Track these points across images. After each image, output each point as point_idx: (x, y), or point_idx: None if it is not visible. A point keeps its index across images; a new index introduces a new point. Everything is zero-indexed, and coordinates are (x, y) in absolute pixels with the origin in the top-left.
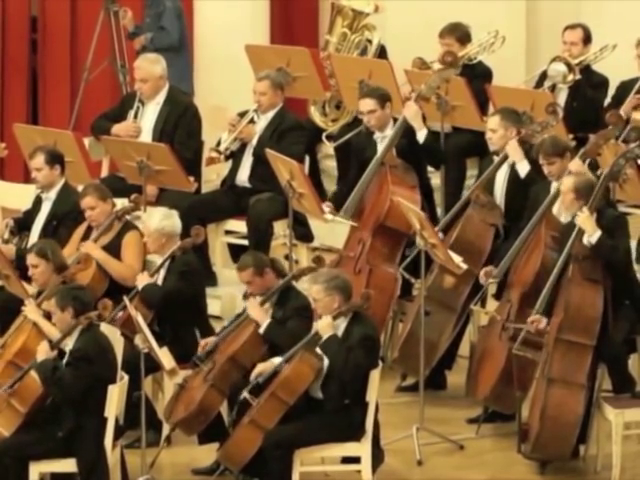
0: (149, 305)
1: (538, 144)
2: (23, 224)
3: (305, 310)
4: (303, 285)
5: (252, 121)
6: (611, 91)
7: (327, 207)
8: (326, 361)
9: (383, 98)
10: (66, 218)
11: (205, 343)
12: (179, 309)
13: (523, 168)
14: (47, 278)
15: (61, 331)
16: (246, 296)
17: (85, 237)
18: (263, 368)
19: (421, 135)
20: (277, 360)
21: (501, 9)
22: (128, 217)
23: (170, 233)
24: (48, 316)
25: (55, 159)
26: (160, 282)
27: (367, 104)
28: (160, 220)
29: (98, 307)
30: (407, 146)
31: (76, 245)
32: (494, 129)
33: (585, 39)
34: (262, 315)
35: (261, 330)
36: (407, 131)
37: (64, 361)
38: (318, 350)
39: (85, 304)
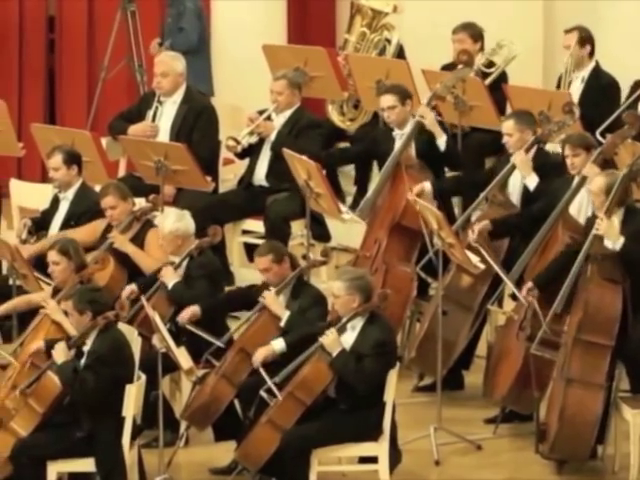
0: (177, 303)
1: (566, 137)
2: (41, 224)
3: (322, 299)
4: (321, 285)
5: (270, 118)
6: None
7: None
8: None
9: (404, 95)
10: (84, 218)
11: (192, 313)
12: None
13: (532, 182)
14: (67, 276)
15: (79, 332)
16: (260, 288)
17: (104, 236)
18: (264, 352)
19: (441, 142)
20: (277, 345)
21: (519, 9)
22: (147, 217)
23: (185, 234)
24: (65, 314)
25: (73, 159)
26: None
27: (388, 100)
28: (173, 222)
29: (115, 307)
30: (426, 147)
31: (90, 234)
32: (510, 133)
33: (580, 41)
34: (281, 308)
35: (282, 323)
36: (428, 132)
37: (82, 362)
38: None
39: (102, 305)
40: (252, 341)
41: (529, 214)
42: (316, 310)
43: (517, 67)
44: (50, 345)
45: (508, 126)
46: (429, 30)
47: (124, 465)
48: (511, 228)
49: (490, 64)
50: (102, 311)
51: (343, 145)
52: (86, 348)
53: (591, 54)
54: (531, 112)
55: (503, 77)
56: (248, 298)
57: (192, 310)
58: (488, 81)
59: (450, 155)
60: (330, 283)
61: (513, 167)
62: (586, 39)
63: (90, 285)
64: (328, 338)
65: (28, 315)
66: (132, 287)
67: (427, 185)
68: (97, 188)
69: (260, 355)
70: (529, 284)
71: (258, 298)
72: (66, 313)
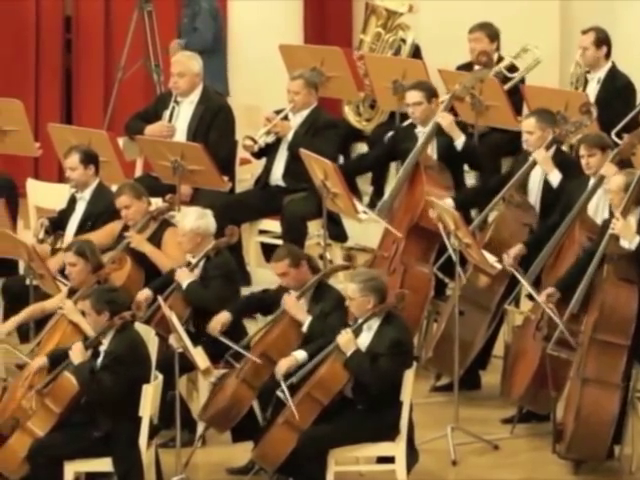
0: (193, 303)
1: (582, 137)
2: (58, 223)
3: (344, 301)
4: (339, 285)
5: (287, 118)
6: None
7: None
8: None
9: (430, 93)
10: (100, 218)
11: (222, 324)
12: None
13: (555, 178)
14: (84, 277)
15: (96, 332)
16: (276, 292)
17: (121, 236)
18: (286, 364)
19: (459, 143)
20: (300, 355)
21: (535, 9)
22: (164, 216)
23: (205, 233)
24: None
25: (89, 159)
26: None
27: (414, 96)
28: (195, 220)
29: (132, 307)
30: (447, 147)
31: (106, 236)
32: (530, 131)
33: (597, 42)
34: (302, 312)
35: (304, 328)
36: (448, 135)
37: (99, 362)
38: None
39: (120, 305)
40: (273, 346)
41: (549, 225)
42: (338, 314)
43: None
44: (54, 359)
45: (529, 124)
46: (445, 30)
47: (141, 465)
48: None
49: (512, 68)
50: (120, 311)
51: (359, 147)
52: (103, 348)
53: (607, 55)
54: (552, 111)
55: (521, 79)
56: (263, 302)
57: (222, 319)
58: (508, 86)
59: (468, 156)
60: (345, 284)
61: (531, 166)
62: (603, 40)
63: (108, 285)
64: (343, 338)
65: (45, 315)
66: (147, 293)
67: (449, 201)
68: (114, 188)
69: (283, 366)
70: (549, 290)
71: (276, 301)
72: (83, 313)
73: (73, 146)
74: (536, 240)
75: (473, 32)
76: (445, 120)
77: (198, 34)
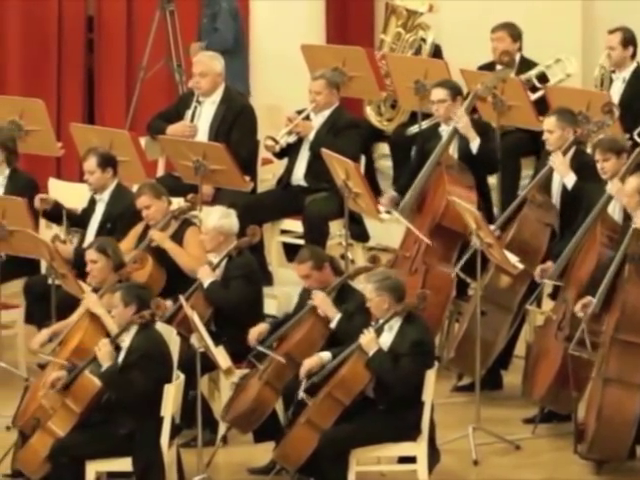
0: (213, 303)
1: (596, 141)
2: (79, 220)
3: (366, 304)
4: (360, 286)
5: (308, 118)
6: None
7: (393, 200)
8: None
9: (455, 91)
10: (120, 220)
11: (258, 333)
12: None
13: (569, 181)
14: (105, 275)
15: (119, 326)
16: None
17: (143, 236)
18: (311, 363)
19: (474, 145)
20: (325, 356)
21: (557, 8)
22: (185, 216)
23: (228, 232)
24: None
25: (107, 162)
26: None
27: (439, 93)
28: (219, 218)
29: (151, 306)
30: (467, 150)
31: (132, 242)
32: (551, 130)
33: (624, 42)
34: (331, 309)
35: (333, 324)
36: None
37: (121, 358)
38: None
39: (145, 303)
40: (297, 348)
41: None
42: (361, 316)
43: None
44: (72, 370)
45: (550, 123)
46: (466, 30)
47: (162, 465)
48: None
49: (543, 77)
50: (144, 309)
51: (380, 147)
52: (124, 345)
53: (633, 55)
54: (573, 111)
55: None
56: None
57: (259, 330)
58: (535, 97)
59: (482, 158)
60: (362, 287)
61: (552, 167)
62: (629, 40)
63: (136, 282)
64: (365, 338)
65: (67, 314)
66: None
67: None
68: (135, 188)
69: (307, 366)
70: (586, 299)
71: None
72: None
73: (91, 149)
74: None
75: (496, 31)
76: (461, 122)
77: (218, 34)
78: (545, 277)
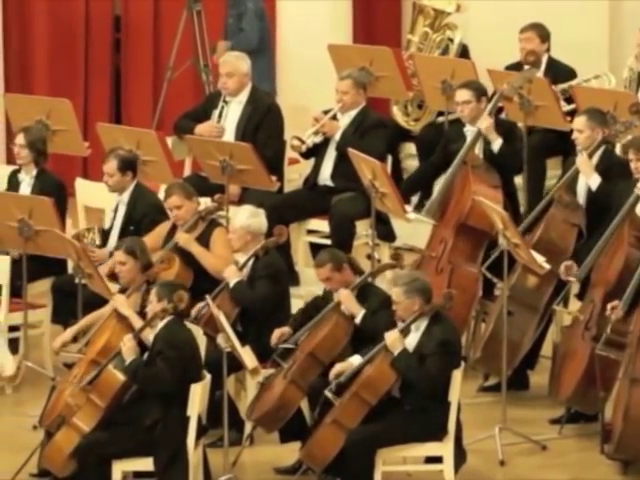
0: (239, 303)
1: (629, 140)
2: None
3: (389, 301)
4: (382, 285)
5: (335, 118)
6: None
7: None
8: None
9: (480, 91)
10: (142, 222)
11: (280, 334)
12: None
13: (594, 182)
14: (133, 276)
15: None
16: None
17: (170, 236)
18: (341, 368)
19: (496, 145)
20: (356, 360)
21: (584, 9)
22: (212, 216)
23: (256, 231)
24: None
25: (127, 165)
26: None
27: (463, 94)
28: (247, 218)
29: (173, 299)
30: (492, 151)
31: (157, 240)
32: (580, 130)
33: None
34: (356, 305)
35: (357, 320)
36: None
37: (147, 352)
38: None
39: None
40: (322, 346)
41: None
42: (384, 313)
43: (583, 67)
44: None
45: (579, 122)
46: (493, 29)
47: (186, 464)
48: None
49: None
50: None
51: (407, 147)
52: (151, 336)
53: None
54: (603, 111)
55: (571, 73)
56: (317, 308)
57: (282, 332)
58: (567, 109)
59: (504, 160)
60: (388, 287)
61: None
62: None
63: (175, 281)
64: (390, 338)
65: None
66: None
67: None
68: (163, 188)
69: (339, 369)
70: (616, 302)
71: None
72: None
73: (111, 151)
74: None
75: (524, 32)
76: (483, 123)
77: (243, 35)
78: (570, 275)
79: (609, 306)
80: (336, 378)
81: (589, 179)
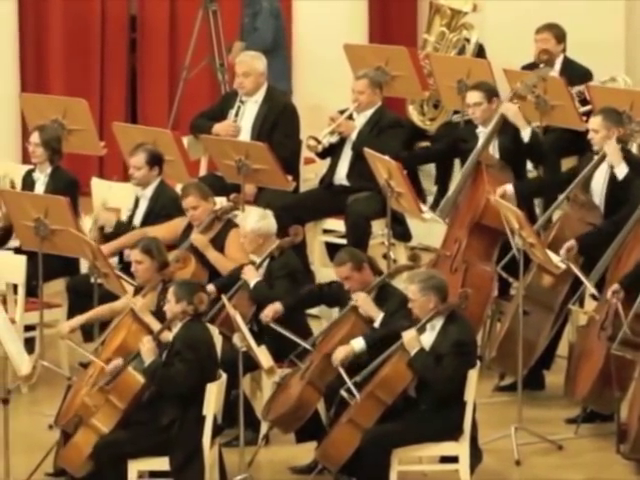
0: (258, 303)
1: None
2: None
3: (406, 303)
4: (401, 285)
5: (351, 117)
6: None
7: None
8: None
9: (491, 93)
10: (162, 213)
11: (274, 310)
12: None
13: (621, 171)
14: (150, 275)
15: (168, 320)
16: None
17: (185, 234)
18: (344, 353)
19: (526, 134)
20: (358, 345)
21: (600, 9)
22: (228, 216)
23: (266, 234)
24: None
25: (155, 160)
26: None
27: (474, 96)
28: (256, 221)
29: (194, 301)
30: (511, 144)
31: (171, 233)
32: (596, 129)
33: None
34: (374, 309)
35: (376, 324)
36: (511, 129)
37: (166, 352)
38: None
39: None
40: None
41: (612, 223)
42: (402, 314)
43: (599, 67)
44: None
45: (595, 122)
46: (510, 29)
47: (202, 464)
48: (597, 241)
49: None
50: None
51: (424, 144)
52: (169, 338)
53: None
54: (619, 111)
55: (587, 73)
56: (328, 294)
57: (274, 308)
58: (584, 109)
59: (534, 147)
60: (405, 286)
61: (596, 165)
62: None
63: (194, 280)
64: (407, 337)
65: None
66: (211, 287)
67: (509, 187)
68: (178, 187)
69: (340, 354)
70: (615, 286)
71: (336, 295)
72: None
73: (141, 145)
74: (600, 232)
75: (540, 32)
76: (510, 110)
77: (257, 34)
78: (569, 258)
79: (609, 291)
80: (341, 364)
81: (617, 167)
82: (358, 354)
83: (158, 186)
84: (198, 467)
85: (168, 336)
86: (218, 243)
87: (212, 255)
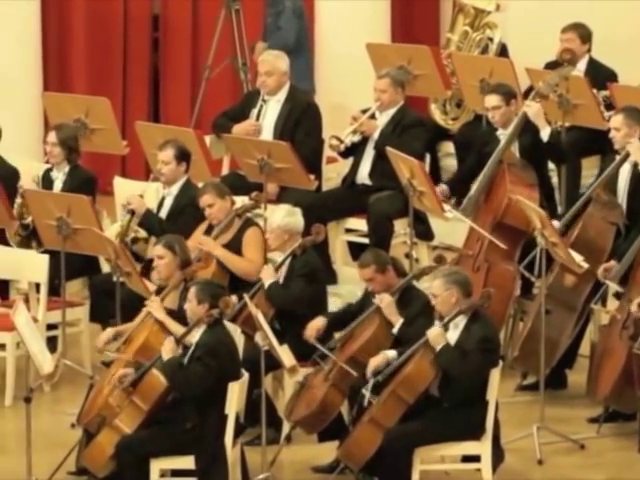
0: (273, 304)
1: None
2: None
3: (429, 306)
4: (423, 285)
5: (374, 117)
6: None
7: (443, 193)
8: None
9: (509, 95)
10: (186, 210)
11: (316, 327)
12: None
13: None
14: (171, 272)
15: (190, 320)
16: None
17: (206, 235)
18: (377, 362)
19: (545, 133)
20: (390, 353)
21: (623, 9)
22: (249, 214)
23: (293, 230)
24: (169, 313)
25: (183, 156)
26: (281, 280)
27: (492, 100)
28: (284, 217)
29: (219, 305)
30: (531, 144)
31: (197, 241)
32: (618, 128)
33: None
34: (395, 314)
35: (395, 330)
36: (531, 129)
37: (188, 355)
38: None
39: (218, 301)
40: (364, 350)
41: None
42: (425, 318)
43: (620, 67)
44: (138, 367)
45: (617, 120)
46: (533, 28)
47: (226, 463)
48: None
49: None
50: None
51: (445, 146)
52: (193, 340)
53: None
54: None
55: (612, 74)
56: (354, 316)
57: (317, 325)
58: (610, 114)
59: (553, 147)
60: (427, 287)
61: (619, 164)
62: None
63: (215, 281)
64: (432, 333)
65: (131, 312)
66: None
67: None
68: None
69: (372, 365)
70: (608, 263)
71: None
72: (170, 313)
73: (170, 140)
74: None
75: (566, 32)
76: (532, 109)
77: (280, 33)
78: (608, 277)
79: (634, 303)
80: (374, 375)
81: None
82: (391, 361)
83: (184, 185)
84: (223, 467)
85: (190, 339)
86: (236, 241)
87: (221, 254)
